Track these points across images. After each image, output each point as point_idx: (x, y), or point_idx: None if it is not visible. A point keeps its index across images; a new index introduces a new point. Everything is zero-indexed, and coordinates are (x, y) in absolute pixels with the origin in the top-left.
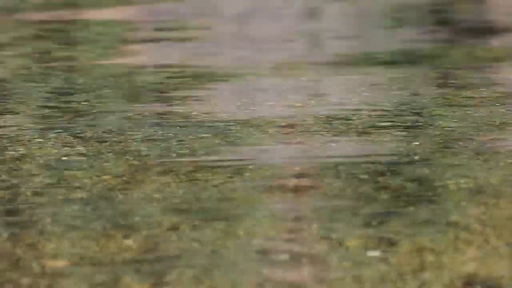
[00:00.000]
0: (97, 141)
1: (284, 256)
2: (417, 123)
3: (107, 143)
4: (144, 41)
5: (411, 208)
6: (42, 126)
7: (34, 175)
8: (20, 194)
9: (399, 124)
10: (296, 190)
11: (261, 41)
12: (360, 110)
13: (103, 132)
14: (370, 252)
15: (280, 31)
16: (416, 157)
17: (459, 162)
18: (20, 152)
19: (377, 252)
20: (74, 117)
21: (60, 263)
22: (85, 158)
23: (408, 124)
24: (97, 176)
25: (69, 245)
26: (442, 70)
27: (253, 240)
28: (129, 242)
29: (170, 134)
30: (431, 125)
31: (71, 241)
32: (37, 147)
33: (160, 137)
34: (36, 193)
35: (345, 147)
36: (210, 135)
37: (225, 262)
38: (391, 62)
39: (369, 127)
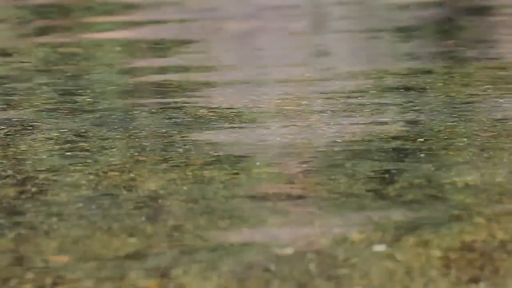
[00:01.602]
0: (101, 138)
1: (289, 250)
2: (420, 119)
3: (110, 140)
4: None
5: (416, 205)
6: (46, 124)
7: (38, 171)
8: (25, 191)
9: (402, 119)
10: (301, 184)
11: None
12: (363, 106)
13: (107, 130)
14: (375, 246)
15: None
16: (421, 154)
17: (463, 158)
18: (21, 149)
19: (383, 246)
20: (78, 114)
21: (64, 259)
22: (89, 153)
23: (412, 119)
24: (104, 172)
25: (74, 242)
26: (445, 64)
27: (258, 235)
28: (133, 239)
29: (174, 131)
30: (434, 120)
31: (75, 239)
32: (41, 143)
33: (164, 134)
34: (40, 191)
35: (350, 137)
36: (214, 131)
37: (230, 258)
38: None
39: (371, 122)
